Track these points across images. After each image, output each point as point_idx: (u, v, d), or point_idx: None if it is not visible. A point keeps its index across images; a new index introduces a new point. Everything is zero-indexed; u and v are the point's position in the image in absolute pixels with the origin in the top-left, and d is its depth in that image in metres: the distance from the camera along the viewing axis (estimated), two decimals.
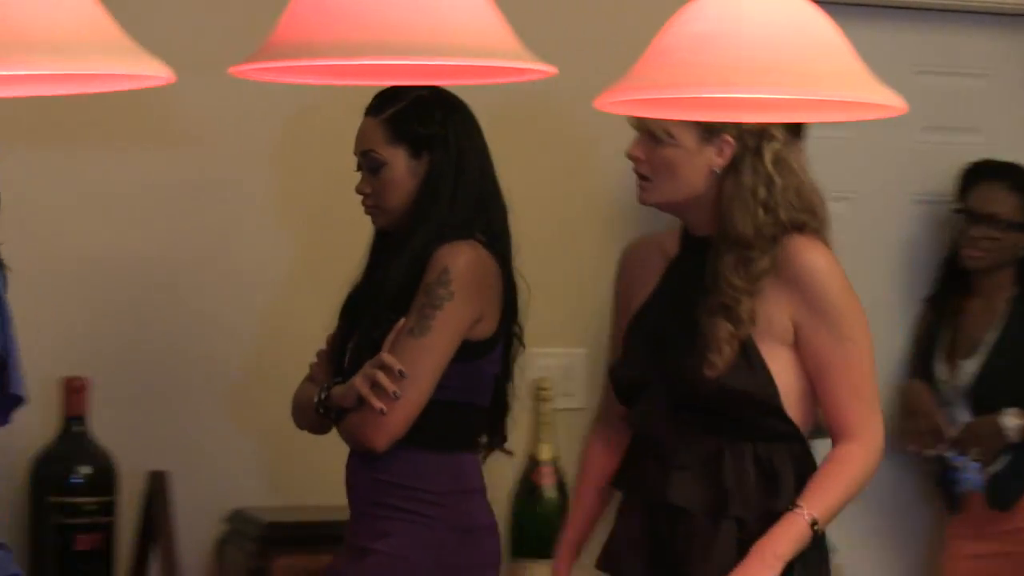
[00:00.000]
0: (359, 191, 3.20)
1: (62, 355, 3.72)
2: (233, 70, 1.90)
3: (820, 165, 3.99)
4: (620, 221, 4.16)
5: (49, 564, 3.60)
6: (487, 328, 3.11)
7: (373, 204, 3.18)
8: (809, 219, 2.84)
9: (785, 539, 2.78)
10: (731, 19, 1.89)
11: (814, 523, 2.79)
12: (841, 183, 4.33)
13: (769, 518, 2.82)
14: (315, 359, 3.25)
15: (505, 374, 3.24)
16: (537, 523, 3.81)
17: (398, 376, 2.98)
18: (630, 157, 2.89)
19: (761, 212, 2.79)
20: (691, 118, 2.57)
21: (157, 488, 3.62)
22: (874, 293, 4.49)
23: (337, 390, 3.09)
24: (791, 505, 2.79)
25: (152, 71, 1.78)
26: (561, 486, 3.80)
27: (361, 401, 3.02)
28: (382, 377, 2.98)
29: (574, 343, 4.15)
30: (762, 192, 2.80)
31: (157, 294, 3.87)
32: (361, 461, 3.16)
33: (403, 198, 3.14)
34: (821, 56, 1.87)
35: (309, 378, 3.22)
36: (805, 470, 2.87)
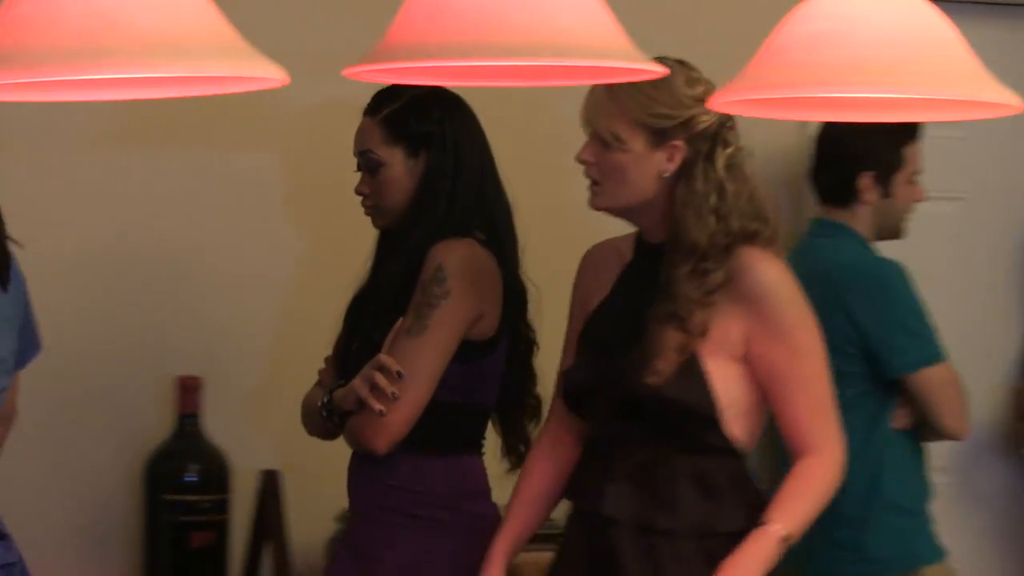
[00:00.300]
0: (358, 192, 3.16)
1: (176, 354, 3.75)
2: (347, 72, 1.90)
3: (933, 165, 3.97)
4: None
5: (163, 561, 3.63)
6: (487, 327, 3.06)
7: (372, 204, 3.15)
8: (761, 227, 2.76)
9: (756, 557, 2.70)
10: (846, 18, 1.87)
11: (787, 538, 2.71)
12: (954, 183, 4.28)
13: (701, 533, 2.74)
14: (323, 364, 3.23)
15: (524, 376, 3.18)
16: None
17: (396, 377, 2.94)
18: (579, 161, 2.82)
19: (713, 220, 2.72)
20: (804, 118, 2.54)
21: (269, 487, 3.63)
22: (987, 295, 4.43)
23: (339, 393, 3.06)
24: (759, 522, 2.70)
25: (267, 73, 1.78)
26: None
27: (361, 403, 2.98)
28: (380, 378, 2.94)
29: None
30: (713, 199, 2.72)
31: (270, 295, 3.89)
32: (364, 464, 3.12)
33: (401, 198, 3.10)
34: (937, 54, 1.85)
35: (318, 383, 3.19)
36: (741, 487, 2.79)
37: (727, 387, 2.73)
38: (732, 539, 2.71)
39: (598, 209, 2.85)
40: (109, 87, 1.93)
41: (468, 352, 3.04)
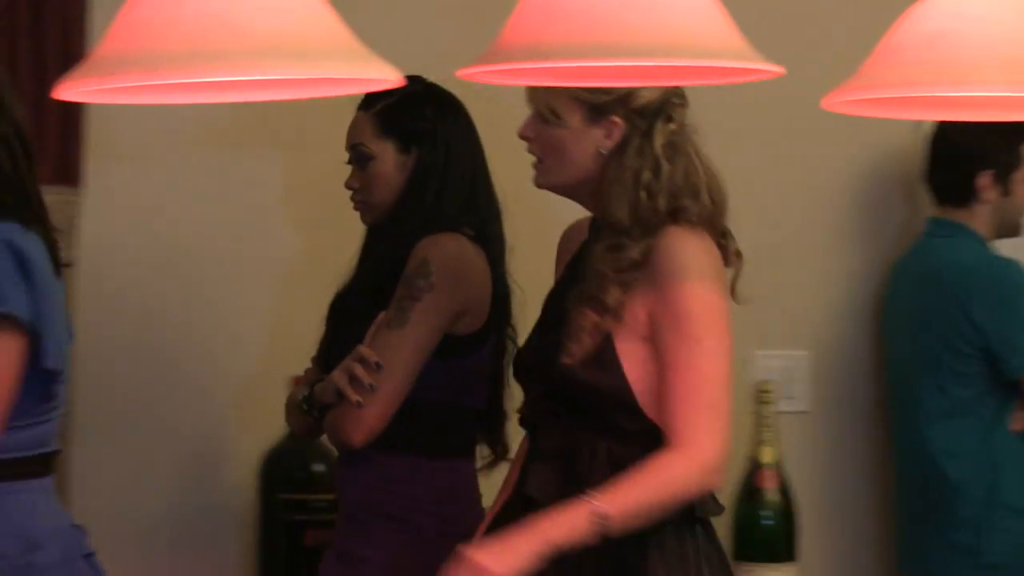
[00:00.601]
0: (348, 186, 3.13)
1: (292, 354, 3.76)
2: (461, 73, 1.90)
3: None
4: (847, 224, 4.10)
5: (277, 559, 3.64)
6: (472, 323, 3.02)
7: (361, 199, 3.12)
8: (691, 204, 2.63)
9: (563, 526, 2.51)
10: (962, 17, 1.85)
11: (604, 517, 2.51)
12: None
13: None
14: (310, 363, 3.19)
15: (496, 377, 3.12)
16: (760, 526, 3.75)
17: (374, 368, 2.89)
18: (520, 136, 2.73)
19: (643, 196, 2.60)
20: (920, 117, 2.48)
21: None
22: None
23: (319, 386, 3.01)
24: (585, 493, 2.53)
25: (381, 75, 1.79)
26: (784, 489, 3.74)
27: (340, 396, 2.93)
28: (359, 369, 2.90)
29: (797, 345, 4.09)
30: (647, 176, 2.61)
31: None
32: (349, 464, 3.08)
33: (390, 193, 3.07)
34: None
35: (305, 380, 3.14)
36: None
37: (639, 370, 2.62)
38: (653, 528, 2.60)
39: (541, 187, 2.76)
40: (225, 89, 1.94)
41: (452, 347, 3.00)
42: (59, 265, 2.71)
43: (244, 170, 3.74)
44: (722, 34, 1.80)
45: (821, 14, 4.05)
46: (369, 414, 2.92)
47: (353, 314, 3.05)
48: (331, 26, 1.79)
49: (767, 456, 3.76)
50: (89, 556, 2.72)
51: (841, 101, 1.93)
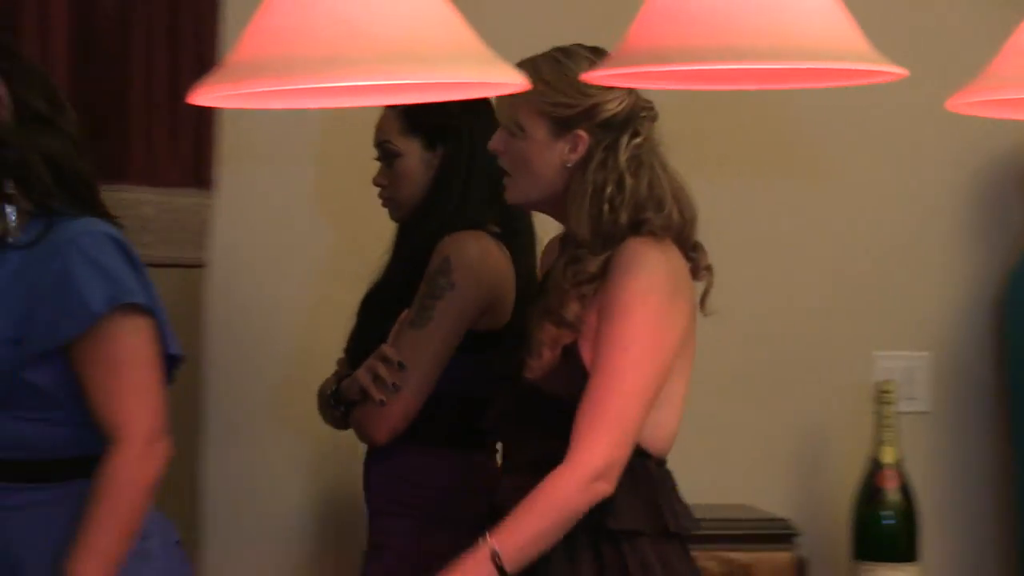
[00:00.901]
0: (376, 183, 3.14)
1: None
2: (584, 76, 1.91)
3: None
4: (968, 225, 4.07)
5: None
6: (497, 320, 3.01)
7: (388, 196, 3.13)
8: (652, 216, 2.57)
9: (463, 570, 2.49)
10: None
11: (496, 555, 2.47)
12: None
13: (595, 533, 2.56)
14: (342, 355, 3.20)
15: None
16: (880, 526, 3.73)
17: (397, 368, 2.92)
18: (490, 149, 2.72)
19: (606, 209, 2.56)
20: None
21: None
22: None
23: (345, 383, 3.03)
24: (483, 535, 2.50)
25: (508, 78, 1.80)
26: (905, 489, 3.72)
27: (365, 393, 2.96)
28: (382, 368, 2.92)
29: (918, 346, 4.06)
30: (610, 189, 2.57)
31: None
32: (375, 457, 3.09)
33: (416, 190, 3.08)
34: None
35: (335, 373, 3.16)
36: (635, 485, 2.57)
37: None
38: (625, 537, 2.55)
39: (511, 203, 2.74)
40: (354, 94, 1.97)
41: (475, 343, 2.99)
42: None
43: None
44: (845, 36, 1.79)
45: (943, 15, 4.02)
46: (392, 412, 2.95)
47: (381, 310, 3.06)
48: (457, 30, 1.81)
49: (888, 456, 3.75)
50: (178, 543, 2.76)
51: (967, 102, 1.91)
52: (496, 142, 2.69)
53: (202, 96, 1.81)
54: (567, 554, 2.54)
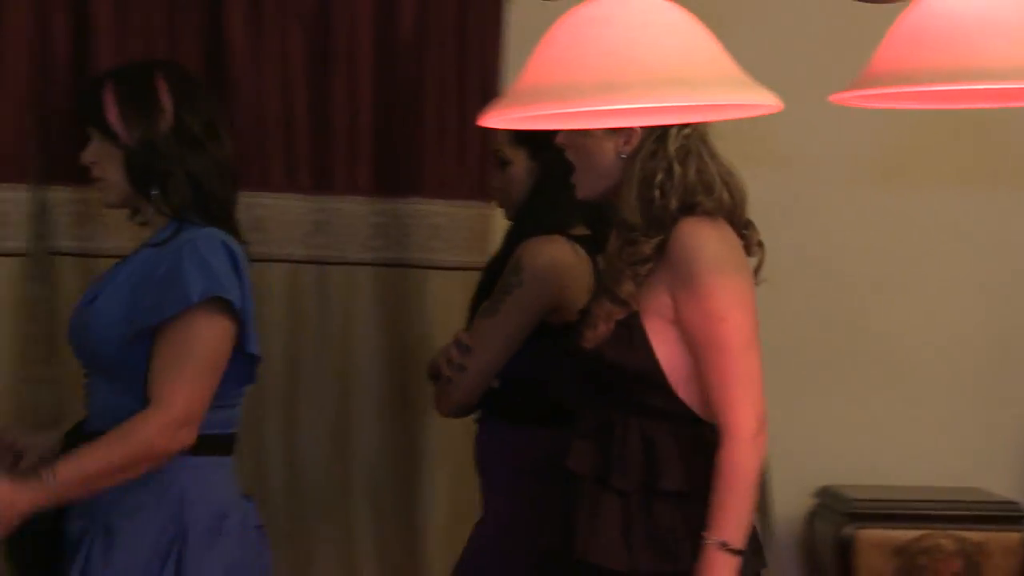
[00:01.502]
0: (491, 185, 3.20)
1: None
2: (834, 98, 1.89)
3: None
4: None
5: None
6: (567, 315, 2.95)
7: (501, 198, 3.20)
8: (703, 199, 2.54)
9: (707, 572, 2.43)
10: None
11: (724, 544, 2.43)
12: None
13: (649, 495, 2.51)
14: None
15: None
16: None
17: (464, 351, 2.96)
18: (557, 143, 2.70)
19: (656, 195, 2.53)
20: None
21: None
22: None
23: (431, 360, 3.14)
24: (702, 537, 2.45)
25: (763, 100, 1.80)
26: None
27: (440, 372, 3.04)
28: (454, 351, 2.98)
29: None
30: (660, 177, 2.54)
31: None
32: (481, 436, 3.14)
33: (521, 195, 3.12)
34: None
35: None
36: (692, 453, 2.53)
37: (667, 351, 2.53)
38: (676, 498, 2.50)
39: (581, 198, 2.73)
40: (625, 115, 1.99)
41: (548, 333, 3.00)
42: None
43: None
44: None
45: None
46: (455, 389, 3.00)
47: (480, 300, 3.13)
48: (716, 56, 1.81)
49: None
50: (259, 527, 2.75)
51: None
52: (561, 137, 2.72)
53: (491, 119, 1.84)
54: (623, 512, 2.53)
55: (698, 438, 2.54)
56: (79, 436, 2.68)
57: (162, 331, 2.60)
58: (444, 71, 3.62)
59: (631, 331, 2.53)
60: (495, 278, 3.08)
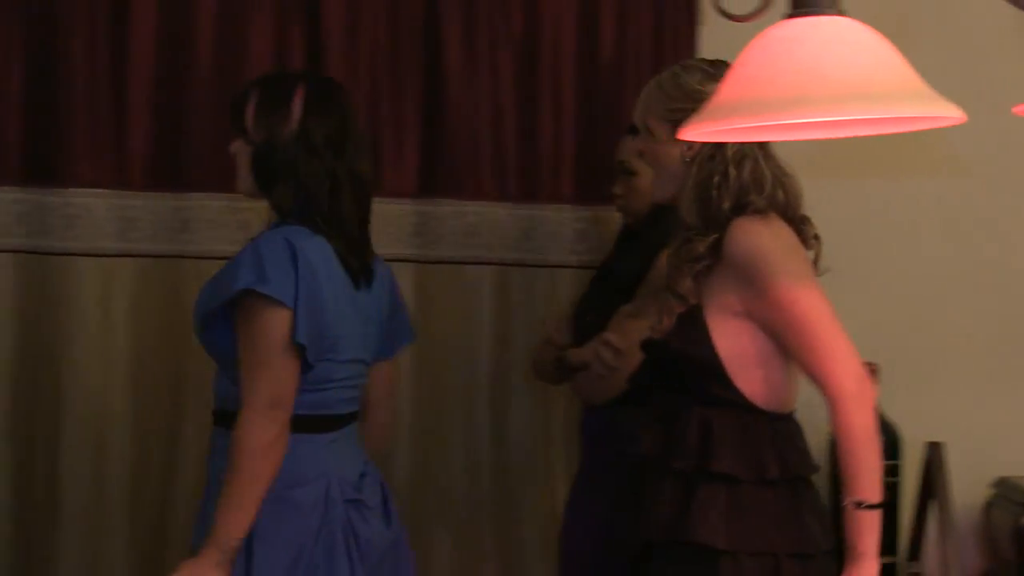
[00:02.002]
0: (612, 192, 3.26)
1: (859, 343, 3.75)
2: (1018, 109, 1.84)
3: None
4: None
5: None
6: None
7: (623, 204, 3.26)
8: (754, 199, 2.52)
9: (854, 536, 2.40)
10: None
11: (860, 503, 2.39)
12: None
13: (706, 478, 2.48)
14: (552, 324, 3.36)
15: None
16: None
17: (616, 352, 2.99)
18: (635, 150, 2.73)
19: (712, 196, 2.53)
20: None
21: (934, 457, 3.55)
22: None
23: (572, 352, 3.18)
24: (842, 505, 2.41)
25: (947, 112, 1.75)
26: None
27: (586, 365, 3.09)
28: (604, 352, 3.00)
29: None
30: (716, 179, 2.54)
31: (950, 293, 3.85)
32: (589, 417, 3.20)
33: (646, 205, 3.17)
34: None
35: (546, 340, 3.34)
36: (748, 439, 2.50)
37: (727, 344, 2.49)
38: (724, 480, 2.47)
39: (657, 202, 2.74)
40: (814, 129, 1.96)
41: None
42: (358, 274, 2.74)
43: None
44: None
45: None
46: (609, 386, 3.07)
47: (607, 299, 3.16)
48: (901, 71, 1.77)
49: None
50: (355, 502, 2.71)
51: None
52: (638, 144, 2.75)
53: (690, 132, 1.83)
54: (672, 493, 2.51)
55: (750, 425, 2.53)
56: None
57: (236, 326, 2.61)
58: (641, 88, 3.60)
59: (694, 324, 2.53)
60: (626, 281, 3.12)
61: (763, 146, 2.58)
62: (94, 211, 3.51)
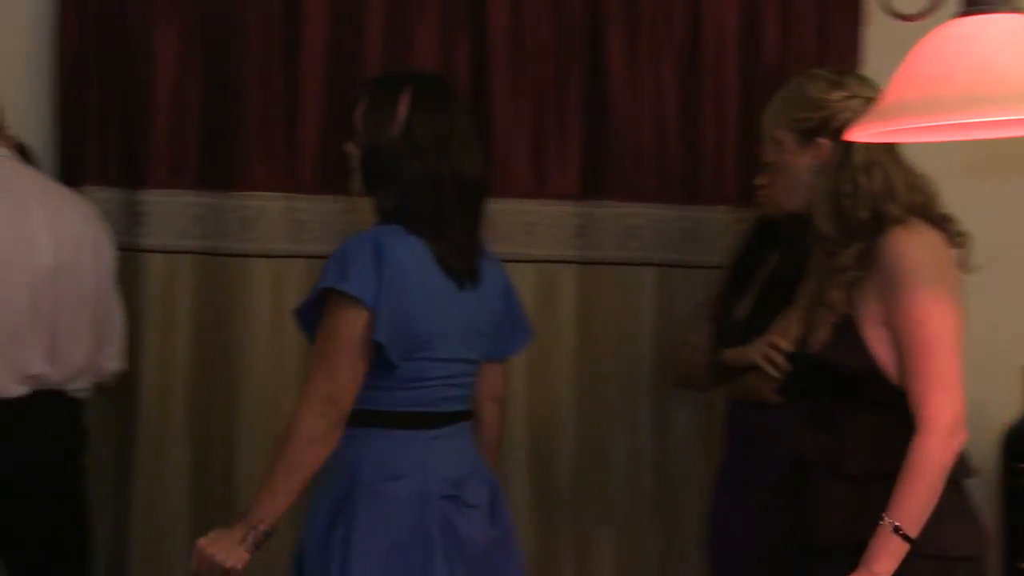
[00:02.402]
0: (757, 183, 3.11)
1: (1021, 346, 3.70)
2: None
3: None
4: None
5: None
6: None
7: (766, 195, 3.08)
8: (891, 207, 2.48)
9: (877, 553, 2.39)
10: None
11: (897, 529, 2.38)
12: None
13: (878, 480, 2.44)
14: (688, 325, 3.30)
15: None
16: None
17: (785, 355, 2.95)
18: (762, 162, 2.69)
19: (846, 206, 2.49)
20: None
21: None
22: None
23: (731, 354, 3.11)
24: (881, 519, 2.40)
25: None
26: None
27: (753, 366, 3.02)
28: (775, 355, 2.97)
29: None
30: (847, 187, 2.50)
31: None
32: (744, 416, 3.15)
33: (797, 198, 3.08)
34: None
35: (686, 343, 3.28)
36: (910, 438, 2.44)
37: (884, 350, 2.46)
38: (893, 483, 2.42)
39: (785, 211, 2.72)
40: (985, 128, 1.93)
41: None
42: (462, 274, 2.72)
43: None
44: None
45: None
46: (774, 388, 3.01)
47: (764, 299, 3.13)
48: None
49: None
50: (453, 499, 2.70)
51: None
52: (765, 155, 2.73)
53: (858, 132, 1.82)
54: (843, 496, 2.49)
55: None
56: None
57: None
58: None
59: (850, 335, 2.51)
60: (792, 280, 3.02)
61: (891, 151, 2.55)
62: (267, 213, 3.58)
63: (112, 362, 3.31)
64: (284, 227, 3.59)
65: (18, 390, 3.04)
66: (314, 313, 2.65)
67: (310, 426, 2.58)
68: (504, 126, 3.59)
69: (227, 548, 2.57)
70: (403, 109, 2.69)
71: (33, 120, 3.49)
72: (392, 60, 3.57)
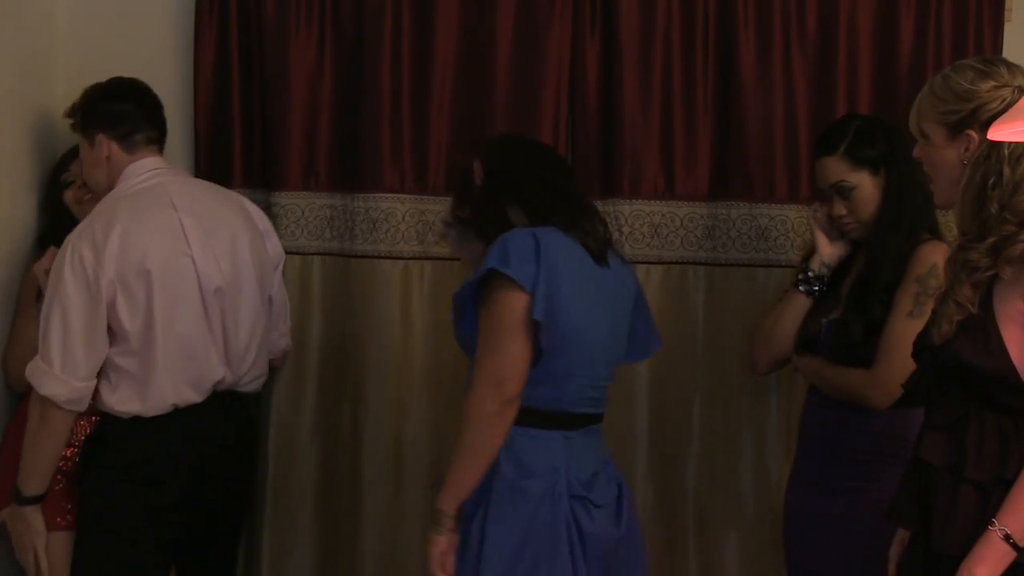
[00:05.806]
0: (835, 214, 3.18)
1: None
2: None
3: None
4: None
5: None
6: None
7: (850, 222, 3.18)
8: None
9: (980, 558, 2.33)
10: None
11: (1008, 537, 2.32)
12: None
13: (1001, 486, 2.37)
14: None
15: None
16: None
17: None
18: (914, 158, 2.60)
19: (985, 200, 2.40)
20: None
21: None
22: None
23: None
24: (990, 524, 2.34)
25: None
26: None
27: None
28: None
29: None
30: (992, 180, 2.40)
31: None
32: (828, 412, 3.12)
33: (873, 210, 3.14)
34: None
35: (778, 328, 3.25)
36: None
37: (1020, 348, 2.36)
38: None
39: (940, 207, 2.66)
40: None
41: None
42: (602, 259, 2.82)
43: None
44: None
45: None
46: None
47: (863, 303, 3.10)
48: None
49: None
50: (581, 499, 2.75)
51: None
52: (916, 151, 2.65)
53: (997, 133, 1.74)
54: (979, 503, 2.40)
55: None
56: None
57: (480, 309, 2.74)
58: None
59: (987, 334, 2.43)
60: (882, 283, 3.07)
61: None
62: (396, 215, 3.60)
63: (283, 339, 3.45)
64: (412, 228, 3.61)
65: (198, 399, 3.16)
66: (472, 300, 2.74)
67: (484, 407, 2.67)
68: (633, 130, 3.58)
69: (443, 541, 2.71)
70: (478, 174, 2.86)
71: (178, 123, 3.55)
72: (522, 68, 3.58)
